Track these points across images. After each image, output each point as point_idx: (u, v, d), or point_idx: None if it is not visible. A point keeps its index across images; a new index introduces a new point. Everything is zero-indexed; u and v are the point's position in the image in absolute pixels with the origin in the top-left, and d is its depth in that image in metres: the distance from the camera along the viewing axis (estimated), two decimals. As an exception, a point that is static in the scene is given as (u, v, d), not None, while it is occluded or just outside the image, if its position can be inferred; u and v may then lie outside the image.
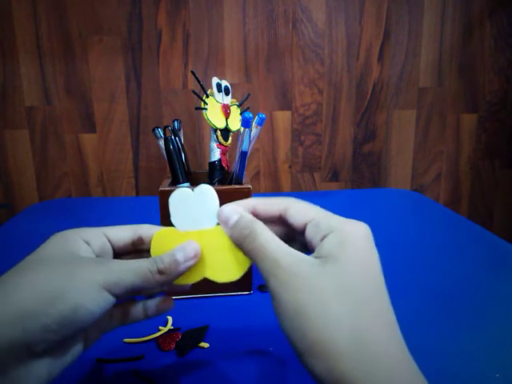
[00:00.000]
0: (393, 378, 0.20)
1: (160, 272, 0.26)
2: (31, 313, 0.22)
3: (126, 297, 0.27)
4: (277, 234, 0.27)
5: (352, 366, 0.20)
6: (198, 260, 0.28)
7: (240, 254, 0.28)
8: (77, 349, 0.26)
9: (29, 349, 0.22)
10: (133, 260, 0.27)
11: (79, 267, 0.25)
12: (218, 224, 0.29)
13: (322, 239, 0.25)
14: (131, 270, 0.26)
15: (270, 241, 0.25)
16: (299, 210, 0.27)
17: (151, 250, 0.29)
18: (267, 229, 0.26)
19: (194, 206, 0.29)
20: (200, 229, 0.29)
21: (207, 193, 0.29)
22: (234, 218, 0.27)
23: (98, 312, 0.24)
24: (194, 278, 0.29)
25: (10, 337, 0.22)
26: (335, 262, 0.23)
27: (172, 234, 0.29)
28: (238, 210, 0.28)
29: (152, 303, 0.30)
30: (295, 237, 0.29)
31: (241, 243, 0.26)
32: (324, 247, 0.24)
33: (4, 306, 0.22)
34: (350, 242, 0.24)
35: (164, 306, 0.30)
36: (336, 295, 0.22)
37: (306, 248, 0.27)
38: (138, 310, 0.30)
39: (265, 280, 0.24)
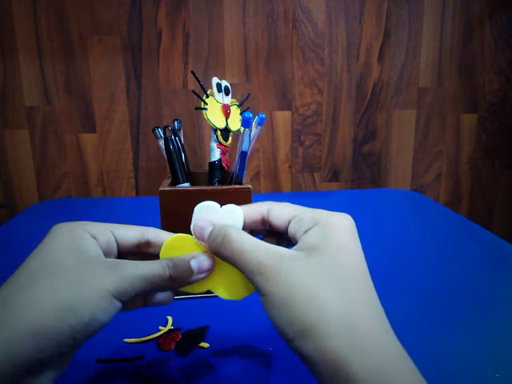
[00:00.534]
0: (382, 356, 0.21)
1: (172, 279, 0.26)
2: (45, 331, 0.22)
3: None
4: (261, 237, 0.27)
5: (342, 346, 0.21)
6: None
7: None
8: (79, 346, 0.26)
9: (42, 364, 0.22)
10: (143, 262, 0.26)
11: (90, 274, 0.24)
12: None
13: (306, 232, 0.25)
14: (143, 277, 0.25)
15: (246, 243, 0.25)
16: (281, 210, 0.27)
17: (162, 252, 0.29)
18: (241, 231, 0.26)
19: (217, 221, 0.29)
20: None
21: (234, 213, 0.29)
22: (208, 230, 0.27)
23: (107, 320, 0.24)
24: (198, 289, 0.29)
25: (23, 355, 0.21)
26: (319, 252, 0.23)
27: (188, 241, 0.29)
28: (211, 221, 0.28)
29: (153, 296, 0.29)
30: (280, 237, 0.29)
31: (218, 252, 0.26)
32: (307, 239, 0.25)
33: (17, 323, 0.22)
34: (333, 232, 0.24)
35: (165, 300, 0.30)
36: (322, 283, 0.22)
37: (292, 245, 0.27)
38: (138, 300, 0.29)
39: (249, 279, 0.25)
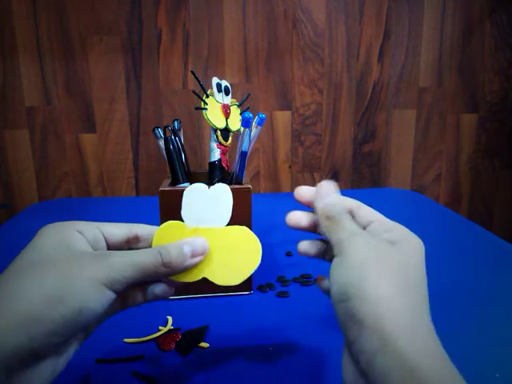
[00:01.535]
0: (432, 332, 0.23)
1: (165, 265, 0.26)
2: (35, 319, 0.22)
3: None
4: None
5: (397, 311, 0.22)
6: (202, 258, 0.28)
7: (245, 259, 0.28)
8: (78, 341, 0.26)
9: (35, 354, 0.22)
10: (134, 252, 0.26)
11: (78, 265, 0.24)
12: (228, 224, 0.29)
13: (386, 232, 0.27)
14: (133, 265, 0.25)
15: (351, 224, 0.28)
16: (369, 210, 0.29)
17: (154, 239, 0.29)
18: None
19: (208, 204, 0.29)
20: (209, 227, 0.29)
21: (223, 192, 0.29)
22: (328, 199, 0.30)
23: (100, 310, 0.24)
24: (193, 277, 0.28)
25: (15, 344, 0.21)
26: (401, 251, 0.25)
27: (179, 227, 0.29)
28: (332, 191, 0.31)
29: (151, 289, 0.29)
30: None
31: (323, 218, 0.28)
32: (387, 236, 0.26)
33: (7, 312, 0.22)
34: (408, 243, 0.26)
35: (164, 293, 0.29)
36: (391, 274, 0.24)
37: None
38: (137, 295, 0.29)
39: (335, 243, 0.26)
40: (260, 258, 0.28)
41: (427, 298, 0.26)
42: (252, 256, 0.28)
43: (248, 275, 0.28)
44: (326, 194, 0.30)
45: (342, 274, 0.24)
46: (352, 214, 0.29)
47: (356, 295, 0.23)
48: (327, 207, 0.29)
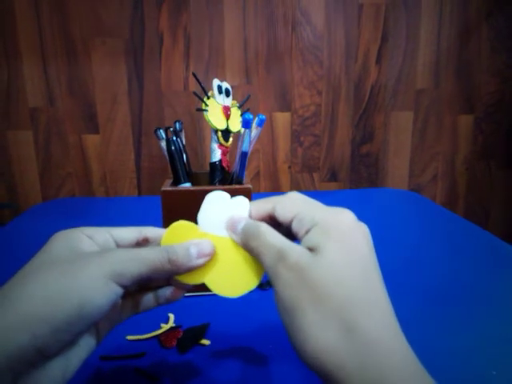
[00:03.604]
0: (386, 366, 0.20)
1: (171, 263, 0.26)
2: (39, 318, 0.22)
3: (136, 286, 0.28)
4: None
5: (343, 360, 0.21)
6: (207, 263, 0.28)
7: (247, 274, 0.28)
8: (89, 344, 0.26)
9: (40, 353, 0.22)
10: (141, 248, 0.27)
11: (82, 262, 0.24)
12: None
13: (306, 233, 0.25)
14: (139, 260, 0.25)
15: (271, 236, 0.25)
16: (285, 207, 0.28)
17: (163, 238, 0.29)
18: (270, 227, 0.27)
19: (225, 212, 0.29)
20: (220, 235, 0.29)
21: (242, 204, 0.29)
22: (241, 224, 0.28)
23: (106, 304, 0.24)
24: (195, 280, 0.28)
25: (19, 344, 0.21)
26: (319, 256, 0.23)
27: (191, 229, 0.29)
28: (244, 216, 0.29)
29: (163, 292, 0.30)
30: (289, 231, 0.29)
31: (246, 243, 0.27)
32: (308, 242, 0.24)
33: (10, 313, 0.22)
34: (333, 233, 0.24)
35: (175, 295, 0.30)
36: (324, 290, 0.22)
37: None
38: (148, 299, 0.30)
39: (268, 275, 0.25)
40: (262, 277, 0.28)
41: (383, 288, 0.23)
42: (255, 273, 0.28)
43: (246, 291, 0.28)
44: (236, 224, 0.28)
45: (281, 315, 0.24)
46: (273, 217, 0.28)
47: (301, 349, 0.22)
48: (242, 235, 0.28)
